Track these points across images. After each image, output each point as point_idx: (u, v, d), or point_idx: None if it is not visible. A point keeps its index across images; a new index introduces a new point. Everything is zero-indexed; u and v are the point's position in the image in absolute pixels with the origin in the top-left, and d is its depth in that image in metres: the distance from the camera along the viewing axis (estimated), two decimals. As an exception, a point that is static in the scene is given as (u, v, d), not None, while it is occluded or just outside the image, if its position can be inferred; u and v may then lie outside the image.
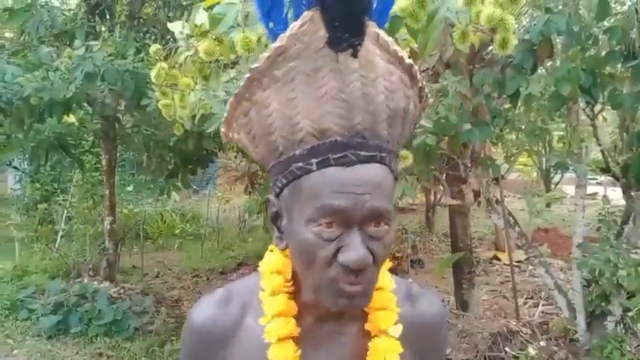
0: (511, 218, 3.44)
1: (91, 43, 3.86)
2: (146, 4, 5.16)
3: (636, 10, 2.45)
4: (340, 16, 0.69)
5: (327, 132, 0.71)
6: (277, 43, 0.71)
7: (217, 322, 0.86)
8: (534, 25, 2.39)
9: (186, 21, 2.18)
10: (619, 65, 2.74)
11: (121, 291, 5.30)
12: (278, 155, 0.75)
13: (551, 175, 9.60)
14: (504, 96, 2.90)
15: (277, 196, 0.78)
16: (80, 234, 6.22)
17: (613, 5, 2.57)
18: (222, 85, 2.42)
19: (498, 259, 6.97)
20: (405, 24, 1.58)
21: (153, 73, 2.37)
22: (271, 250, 0.87)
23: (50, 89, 3.72)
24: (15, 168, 8.16)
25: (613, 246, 2.91)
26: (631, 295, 2.91)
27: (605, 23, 2.55)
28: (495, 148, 5.37)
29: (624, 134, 3.23)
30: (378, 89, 0.72)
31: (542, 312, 4.59)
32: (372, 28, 0.72)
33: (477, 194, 3.39)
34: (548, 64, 2.91)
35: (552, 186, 9.74)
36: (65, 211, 7.05)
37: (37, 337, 4.63)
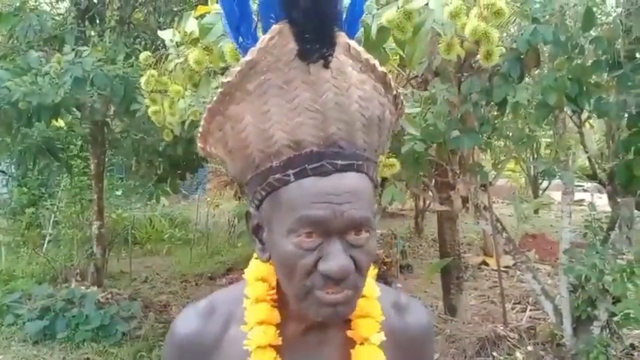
0: (499, 224, 3.47)
1: (81, 48, 3.85)
2: (136, 10, 5.15)
3: (621, 22, 2.49)
4: (309, 28, 0.69)
5: (302, 143, 0.71)
6: (248, 57, 0.71)
7: (200, 335, 0.85)
8: (521, 34, 2.42)
9: (177, 28, 2.19)
10: (605, 74, 2.78)
11: (109, 296, 5.26)
12: (255, 168, 0.75)
13: (539, 181, 9.70)
14: (492, 104, 2.94)
15: (257, 208, 0.77)
16: (68, 239, 6.17)
17: (598, 16, 2.61)
18: (212, 92, 2.43)
19: (487, 265, 7.01)
20: (393, 35, 1.60)
21: (142, 80, 2.38)
22: (256, 258, 0.86)
23: (39, 94, 3.70)
24: (2, 172, 8.09)
25: (599, 252, 2.95)
26: (616, 301, 2.95)
27: (592, 32, 2.60)
28: (484, 154, 5.42)
29: (610, 142, 3.27)
30: (352, 98, 0.72)
31: (530, 317, 4.62)
32: (342, 38, 0.72)
33: (465, 200, 3.42)
34: (536, 72, 2.95)
35: (540, 192, 9.83)
36: (53, 216, 6.99)
37: (22, 342, 4.58)
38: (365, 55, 0.74)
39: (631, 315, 2.87)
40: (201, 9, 1.82)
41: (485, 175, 3.30)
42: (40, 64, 4.00)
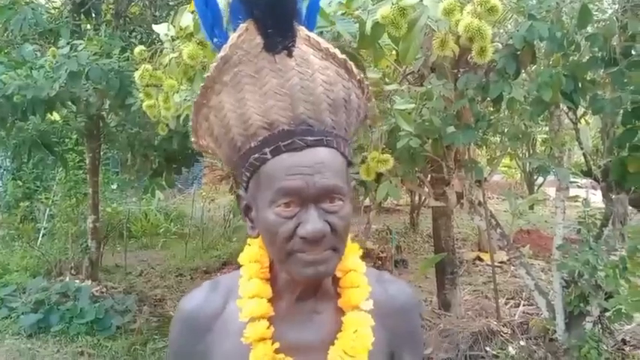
0: (493, 220, 3.48)
1: (76, 41, 3.82)
2: (132, 3, 5.13)
3: (617, 18, 2.50)
4: (271, 24, 0.80)
5: (274, 123, 0.81)
6: (222, 53, 0.82)
7: (204, 307, 0.93)
8: (517, 30, 2.42)
9: (172, 23, 2.18)
10: (600, 71, 2.79)
11: (104, 289, 5.27)
12: (238, 150, 0.84)
13: (534, 177, 9.72)
14: (488, 100, 2.94)
15: (245, 190, 0.87)
16: (62, 232, 6.16)
17: (594, 13, 2.61)
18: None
19: (481, 260, 7.03)
20: (387, 31, 1.60)
21: (137, 75, 2.37)
22: (249, 245, 0.95)
23: (34, 87, 3.68)
24: (-3, 165, 8.07)
25: (592, 248, 2.96)
26: (609, 296, 2.96)
27: (589, 29, 2.60)
28: (480, 150, 5.43)
29: (605, 138, 3.28)
30: (317, 82, 0.82)
31: (523, 312, 4.65)
32: (302, 31, 0.83)
33: (460, 196, 3.43)
34: (533, 68, 2.95)
35: (535, 188, 9.86)
36: (47, 209, 6.98)
37: (16, 335, 4.58)
38: (325, 44, 0.84)
39: (623, 310, 2.88)
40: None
41: (480, 172, 3.31)
42: (35, 58, 3.99)
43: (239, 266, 0.95)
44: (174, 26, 2.14)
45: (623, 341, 3.71)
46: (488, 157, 5.03)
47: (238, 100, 0.82)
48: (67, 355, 4.30)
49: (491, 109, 3.31)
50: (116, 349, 4.36)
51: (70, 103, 4.41)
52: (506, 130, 3.59)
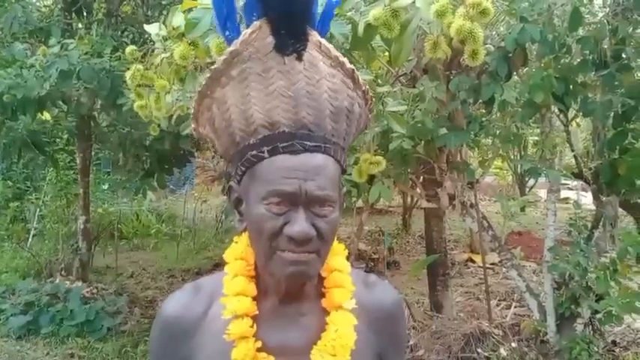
0: (485, 221, 3.49)
1: (67, 41, 3.80)
2: (124, 3, 5.10)
3: (607, 22, 2.51)
4: (285, 26, 0.80)
5: (276, 124, 0.81)
6: (232, 47, 0.82)
7: (186, 312, 0.92)
8: (509, 33, 2.43)
9: (163, 22, 2.16)
10: (591, 74, 2.80)
11: (94, 291, 5.23)
12: (236, 145, 0.85)
13: (526, 179, 9.77)
14: (480, 102, 2.95)
15: (238, 182, 0.88)
16: (53, 233, 6.11)
17: (585, 16, 2.63)
18: (199, 86, 2.40)
19: (473, 262, 7.05)
20: (379, 33, 1.60)
21: (128, 75, 2.35)
22: (235, 242, 0.95)
23: (24, 87, 3.65)
24: (-14, 165, 8.00)
25: (583, 250, 2.98)
26: (599, 298, 2.98)
27: (580, 32, 2.61)
28: (472, 152, 5.45)
29: (596, 141, 3.30)
30: (322, 89, 0.83)
31: (515, 314, 4.66)
32: (314, 36, 0.83)
33: (452, 197, 3.43)
34: (524, 70, 2.96)
35: (527, 190, 9.91)
36: (38, 210, 6.93)
37: (6, 337, 4.53)
38: (335, 52, 0.85)
39: (613, 312, 2.90)
40: (187, 3, 1.81)
41: (471, 173, 3.31)
42: (26, 57, 3.95)
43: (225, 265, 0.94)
44: (165, 26, 2.13)
45: (614, 343, 3.73)
46: (480, 158, 5.04)
47: (243, 96, 0.82)
48: (57, 357, 4.26)
49: (483, 111, 3.32)
50: (107, 351, 4.33)
51: (60, 102, 4.39)
52: (497, 132, 3.60)
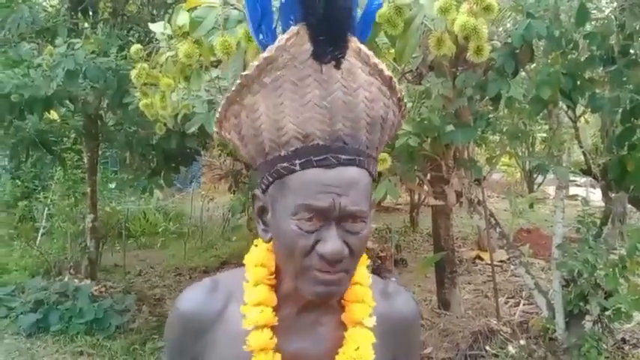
0: (492, 219, 3.47)
1: (73, 40, 3.81)
2: (130, 2, 5.11)
3: (615, 17, 2.49)
4: (324, 32, 0.76)
5: (310, 136, 0.78)
6: (266, 54, 0.78)
7: (203, 308, 0.91)
8: (516, 29, 2.41)
9: (168, 21, 2.17)
10: (599, 70, 2.78)
11: (103, 289, 5.26)
12: (265, 155, 0.81)
13: (534, 175, 9.71)
14: (487, 98, 2.93)
15: (264, 192, 0.85)
16: (61, 232, 6.14)
17: (592, 12, 2.61)
18: (204, 85, 2.41)
19: (481, 259, 7.02)
20: (384, 30, 1.59)
21: (133, 74, 2.36)
22: (256, 245, 0.93)
23: (31, 86, 3.67)
24: (-5, 165, 8.05)
25: (592, 247, 2.96)
26: (608, 295, 2.96)
27: (588, 27, 2.59)
28: (479, 149, 5.42)
29: (604, 137, 3.28)
30: (359, 98, 0.79)
31: (523, 311, 4.64)
32: (354, 43, 0.79)
33: (459, 195, 3.42)
34: (532, 66, 2.94)
35: (535, 187, 9.85)
36: (46, 209, 6.96)
37: (16, 335, 4.56)
38: (373, 59, 0.81)
39: (622, 309, 2.88)
40: (191, 2, 1.81)
41: (478, 170, 3.30)
42: (32, 57, 3.97)
43: (239, 265, 0.93)
44: (170, 25, 2.13)
45: (623, 340, 3.70)
46: (488, 155, 5.02)
47: (275, 105, 0.78)
48: (66, 354, 4.29)
49: (490, 107, 3.30)
50: (115, 348, 4.35)
51: (67, 102, 4.40)
52: (505, 128, 3.58)
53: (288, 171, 0.78)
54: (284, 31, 0.78)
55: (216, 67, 2.70)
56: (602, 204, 3.28)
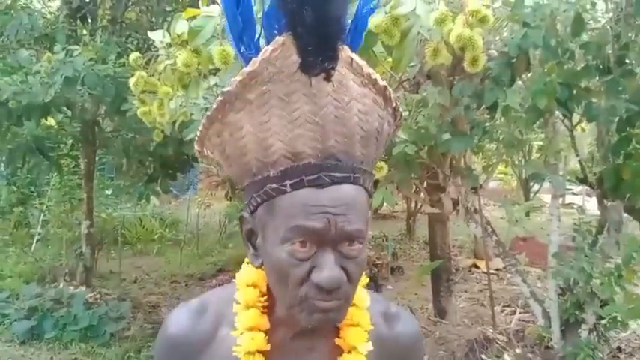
0: (489, 227, 3.48)
1: (72, 47, 3.82)
2: (129, 9, 5.13)
3: (610, 27, 2.51)
4: (313, 42, 0.70)
5: (300, 155, 0.72)
6: (249, 68, 0.72)
7: (191, 333, 0.86)
8: (512, 38, 2.43)
9: (167, 30, 2.18)
10: (595, 79, 2.80)
11: (98, 296, 5.24)
12: (252, 175, 0.76)
13: (531, 184, 9.73)
14: (483, 107, 2.94)
15: (252, 213, 0.78)
16: (57, 238, 6.14)
17: (588, 22, 2.63)
18: (202, 93, 2.42)
19: (477, 267, 7.03)
20: (380, 40, 1.60)
21: (132, 82, 2.37)
22: (247, 262, 0.87)
23: (29, 93, 3.68)
24: (-9, 170, 8.03)
25: (587, 255, 2.96)
26: (604, 304, 2.96)
27: (584, 37, 2.61)
28: (476, 157, 5.44)
29: (600, 146, 3.29)
30: (352, 112, 0.73)
31: (519, 320, 4.64)
32: (345, 52, 0.73)
33: (455, 203, 3.43)
34: (528, 76, 2.96)
35: (532, 195, 9.87)
36: (42, 215, 6.95)
37: (9, 342, 4.54)
38: (367, 69, 0.75)
39: (618, 318, 2.89)
40: (190, 11, 1.82)
41: (474, 179, 3.31)
42: (31, 63, 3.98)
43: (235, 272, 0.90)
44: (169, 33, 2.14)
45: (619, 349, 3.71)
46: (484, 164, 5.04)
47: (261, 123, 0.72)
48: (61, 362, 4.27)
49: (487, 116, 3.31)
50: (110, 356, 4.33)
51: (65, 108, 4.41)
52: (501, 137, 3.59)
53: (277, 192, 0.73)
54: (268, 43, 0.72)
55: (214, 74, 2.71)
56: (598, 212, 3.29)
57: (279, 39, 0.71)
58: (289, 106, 0.72)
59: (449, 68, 2.82)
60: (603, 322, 3.10)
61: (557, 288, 3.17)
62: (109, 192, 7.58)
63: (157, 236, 8.33)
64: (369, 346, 0.84)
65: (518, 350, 3.46)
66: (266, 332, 0.83)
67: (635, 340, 3.98)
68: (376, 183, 2.96)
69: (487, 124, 3.39)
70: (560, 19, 2.48)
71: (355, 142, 0.74)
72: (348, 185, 0.73)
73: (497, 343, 3.66)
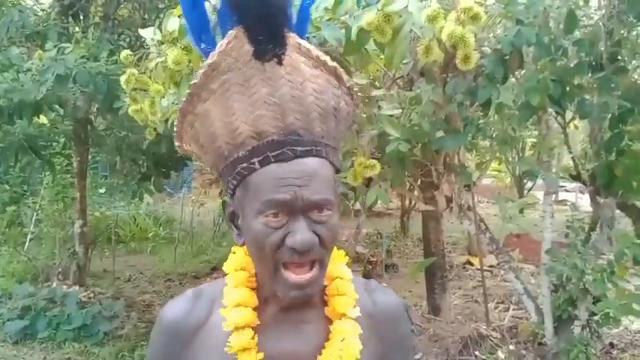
0: (482, 224, 3.49)
1: (64, 44, 3.79)
2: (121, 6, 5.10)
3: (603, 24, 2.51)
4: (261, 32, 0.78)
5: (263, 133, 0.79)
6: (209, 60, 0.80)
7: (188, 316, 0.91)
8: (505, 35, 2.43)
9: (159, 27, 2.16)
10: (587, 76, 2.80)
11: (91, 295, 5.22)
12: (225, 159, 0.83)
13: (524, 181, 9.76)
14: (477, 104, 2.94)
15: (232, 197, 0.86)
16: (50, 237, 6.10)
17: (581, 19, 2.63)
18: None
19: (471, 264, 7.05)
20: (373, 37, 1.60)
21: (122, 79, 2.35)
22: (234, 252, 0.94)
23: (20, 91, 3.65)
24: (-17, 169, 7.96)
25: (580, 252, 2.97)
26: (597, 300, 2.97)
27: (577, 33, 2.61)
28: (469, 154, 5.45)
29: (593, 143, 3.30)
30: (307, 91, 0.81)
31: (513, 316, 4.66)
32: (293, 39, 0.81)
33: (449, 200, 3.43)
34: (521, 72, 2.96)
35: (525, 192, 9.90)
36: (35, 214, 6.91)
37: (2, 342, 4.51)
38: (315, 51, 0.83)
39: (610, 314, 2.90)
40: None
41: (468, 176, 3.31)
42: (22, 61, 3.95)
43: (225, 273, 0.93)
44: (160, 30, 2.12)
45: (611, 345, 3.73)
46: (478, 161, 5.04)
47: (226, 109, 0.80)
48: (54, 361, 4.25)
49: (480, 113, 3.31)
50: (104, 355, 4.32)
51: (57, 106, 4.38)
52: (495, 134, 3.59)
53: (248, 171, 0.80)
54: (224, 37, 0.80)
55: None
56: (591, 209, 3.30)
57: (231, 32, 0.79)
58: (248, 91, 0.80)
59: (442, 66, 2.82)
60: (596, 318, 3.11)
61: (550, 284, 3.18)
62: (102, 190, 7.54)
63: (150, 235, 8.30)
64: (357, 311, 0.89)
65: (511, 347, 3.48)
66: (256, 309, 0.88)
67: (628, 336, 4.00)
68: (370, 181, 2.96)
69: (480, 122, 3.40)
70: (553, 16, 2.48)
71: (313, 118, 0.81)
72: (311, 158, 0.80)
73: (491, 340, 3.67)
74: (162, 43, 2.15)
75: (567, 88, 2.64)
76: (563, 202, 3.74)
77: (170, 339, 0.91)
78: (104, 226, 7.10)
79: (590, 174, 3.18)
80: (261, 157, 0.79)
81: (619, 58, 2.61)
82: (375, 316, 0.93)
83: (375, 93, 2.53)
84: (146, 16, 4.96)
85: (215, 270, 6.74)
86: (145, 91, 2.48)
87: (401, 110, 2.67)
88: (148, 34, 2.21)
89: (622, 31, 2.54)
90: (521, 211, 4.90)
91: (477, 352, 3.56)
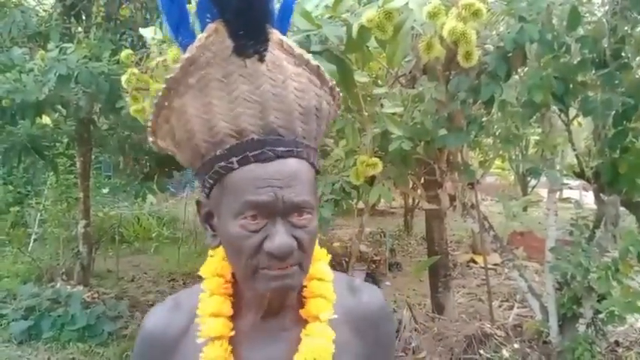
0: (486, 222, 3.47)
1: (66, 45, 3.80)
2: (123, 6, 5.10)
3: (606, 21, 2.50)
4: (243, 26, 0.75)
5: (243, 132, 0.77)
6: (187, 54, 0.76)
7: (168, 328, 0.90)
8: (508, 32, 2.41)
9: (159, 26, 2.16)
10: (591, 73, 2.79)
11: (95, 295, 5.23)
12: (201, 157, 0.80)
13: (528, 178, 9.73)
14: (480, 102, 2.93)
15: (207, 196, 0.83)
16: (54, 237, 6.11)
17: (584, 15, 2.61)
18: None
19: (475, 262, 7.03)
20: (374, 34, 1.59)
21: (123, 79, 2.35)
22: (211, 256, 0.91)
23: (23, 91, 3.65)
24: (-13, 170, 7.99)
25: (584, 250, 2.96)
26: (601, 298, 2.96)
27: (580, 30, 2.60)
28: (473, 152, 5.43)
29: (597, 140, 3.28)
30: (288, 90, 0.78)
31: (517, 315, 4.64)
32: (275, 35, 0.78)
33: (453, 198, 3.42)
34: (524, 70, 2.95)
35: (529, 189, 9.87)
36: (38, 214, 6.93)
37: (7, 342, 4.53)
38: (298, 50, 0.81)
39: (615, 312, 2.88)
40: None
41: (471, 174, 3.30)
42: (24, 61, 3.95)
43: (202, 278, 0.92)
44: (161, 30, 2.12)
45: (617, 343, 3.71)
46: (481, 159, 5.03)
47: (204, 105, 0.77)
48: (58, 361, 4.26)
49: (483, 111, 3.30)
50: (108, 355, 4.33)
51: (59, 106, 4.39)
52: (498, 132, 3.58)
53: (226, 170, 0.77)
54: (202, 30, 0.77)
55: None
56: (595, 207, 3.28)
57: (211, 26, 0.75)
58: (228, 87, 0.76)
59: (445, 63, 2.81)
60: (601, 316, 3.10)
61: (554, 283, 3.17)
62: (105, 190, 7.56)
63: (154, 234, 8.32)
64: (331, 314, 0.86)
65: (516, 345, 3.46)
66: (233, 318, 0.86)
67: (633, 334, 3.98)
68: (373, 179, 2.95)
69: (483, 119, 3.38)
70: (556, 13, 2.47)
71: (294, 117, 0.79)
72: (292, 159, 0.77)
73: (496, 339, 3.65)
74: (163, 42, 2.15)
75: (571, 86, 2.63)
76: (567, 199, 3.74)
77: (151, 350, 0.90)
78: (108, 226, 7.11)
79: (594, 171, 3.16)
80: (240, 157, 0.76)
81: (623, 54, 2.59)
82: (359, 315, 0.91)
83: (377, 91, 2.52)
84: (148, 15, 4.96)
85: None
86: (146, 90, 2.48)
87: (403, 108, 2.66)
88: (148, 33, 2.20)
89: (625, 28, 2.53)
90: (525, 209, 4.89)
91: (481, 351, 3.55)
